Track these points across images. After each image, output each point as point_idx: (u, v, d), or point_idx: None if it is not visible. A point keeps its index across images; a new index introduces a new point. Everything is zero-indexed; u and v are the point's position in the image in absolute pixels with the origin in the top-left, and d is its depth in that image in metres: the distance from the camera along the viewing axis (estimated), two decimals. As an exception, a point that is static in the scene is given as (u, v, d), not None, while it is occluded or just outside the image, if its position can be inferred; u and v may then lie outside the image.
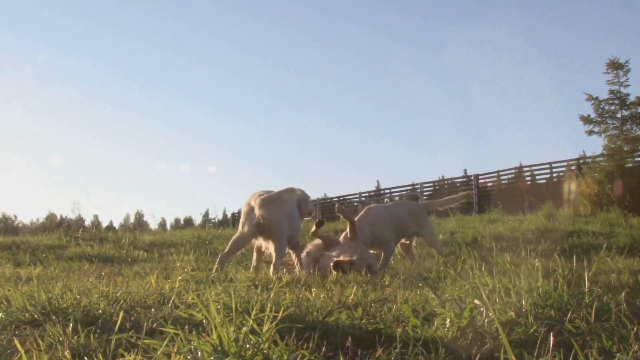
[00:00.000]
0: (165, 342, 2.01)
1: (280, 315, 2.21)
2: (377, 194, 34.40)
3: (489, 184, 26.57)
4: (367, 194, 31.85)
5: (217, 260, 5.96)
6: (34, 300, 3.27)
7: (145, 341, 2.17)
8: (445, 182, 31.07)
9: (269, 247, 5.97)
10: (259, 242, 6.08)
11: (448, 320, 2.58)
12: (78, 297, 3.37)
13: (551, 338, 2.23)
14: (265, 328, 2.10)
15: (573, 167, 20.63)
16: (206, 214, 62.50)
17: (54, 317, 2.81)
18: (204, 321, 2.59)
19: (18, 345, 2.21)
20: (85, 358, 2.22)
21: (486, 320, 2.55)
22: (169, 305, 3.33)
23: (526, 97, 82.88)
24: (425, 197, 27.47)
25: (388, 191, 31.74)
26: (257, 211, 5.71)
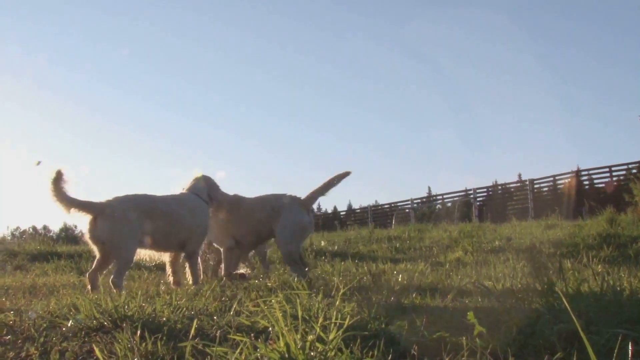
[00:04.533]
0: (238, 350, 2.03)
1: (346, 323, 2.20)
2: (429, 200, 34.06)
3: (545, 189, 26.00)
4: (418, 200, 31.59)
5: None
6: (101, 307, 3.36)
7: (216, 349, 2.19)
8: (499, 187, 30.48)
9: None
10: None
11: (515, 329, 2.52)
12: (143, 305, 3.43)
13: (630, 347, 2.15)
14: (331, 336, 2.10)
15: (634, 171, 19.95)
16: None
17: (124, 325, 2.87)
18: (269, 329, 2.60)
19: (98, 353, 2.26)
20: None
21: (555, 328, 2.48)
22: (231, 312, 3.36)
23: (584, 97, 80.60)
24: (478, 203, 27.05)
25: (440, 197, 31.43)
26: None
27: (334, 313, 2.43)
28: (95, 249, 5.37)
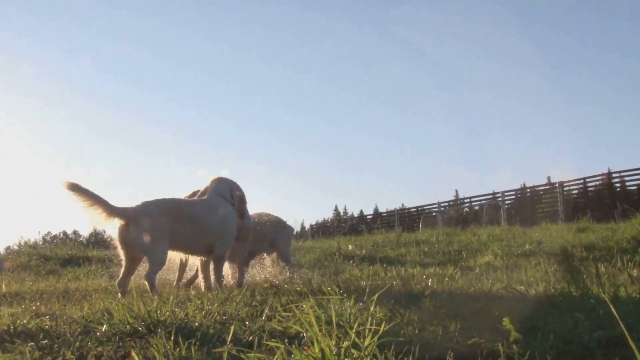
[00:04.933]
0: (275, 357, 2.02)
1: (382, 329, 2.18)
2: (456, 204, 33.75)
3: (575, 191, 25.58)
4: (445, 204, 31.32)
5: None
6: (134, 312, 3.38)
7: (253, 355, 2.19)
8: (528, 190, 30.07)
9: None
10: None
11: (552, 335, 2.48)
12: (175, 310, 3.45)
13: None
14: (366, 342, 2.08)
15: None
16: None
17: (159, 330, 2.89)
18: (301, 334, 2.59)
19: (136, 358, 2.28)
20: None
21: (594, 335, 2.43)
22: (263, 317, 3.36)
23: (615, 97, 79.19)
24: (507, 206, 26.73)
25: (467, 200, 31.13)
26: None
27: (369, 319, 2.41)
28: (123, 255, 5.45)
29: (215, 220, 5.80)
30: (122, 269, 5.48)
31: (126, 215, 5.28)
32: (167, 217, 5.42)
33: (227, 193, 6.08)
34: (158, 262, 5.38)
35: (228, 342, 2.58)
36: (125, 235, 5.30)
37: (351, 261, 9.15)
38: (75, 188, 5.09)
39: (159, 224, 5.34)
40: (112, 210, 5.20)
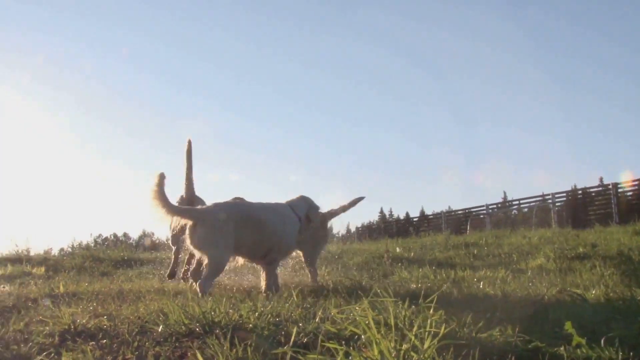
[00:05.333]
0: (339, 358, 2.01)
1: (442, 332, 2.15)
2: (504, 206, 33.18)
3: (629, 193, 24.80)
4: (494, 206, 30.83)
5: None
6: (189, 313, 3.43)
7: (316, 357, 2.18)
8: (579, 191, 29.31)
9: None
10: None
11: (617, 340, 2.40)
12: (230, 311, 3.49)
13: None
14: (426, 345, 2.06)
15: None
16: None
17: (217, 331, 2.92)
18: (356, 336, 2.58)
19: (199, 357, 2.31)
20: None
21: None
22: (316, 319, 3.36)
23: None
24: (557, 209, 26.13)
25: (516, 202, 30.54)
26: None
27: (429, 321, 2.38)
28: (197, 255, 5.52)
29: (277, 228, 5.79)
30: (195, 264, 5.61)
31: (194, 215, 5.30)
32: (233, 222, 5.40)
33: (302, 210, 6.15)
34: (216, 269, 5.33)
35: (290, 344, 2.58)
36: (192, 235, 5.31)
37: (399, 264, 9.08)
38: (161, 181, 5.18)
39: (225, 228, 5.32)
40: (174, 208, 5.23)
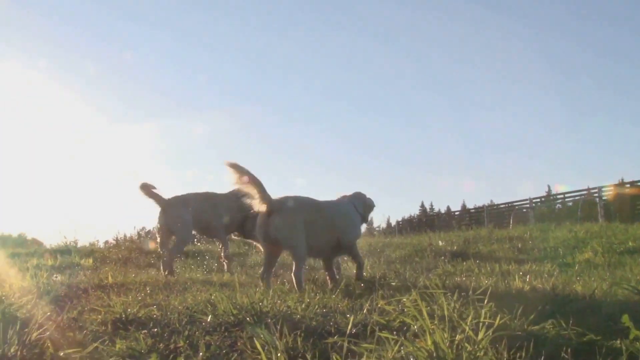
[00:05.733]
0: (394, 348, 2.01)
1: (497, 323, 2.12)
2: (549, 200, 32.53)
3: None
4: (538, 200, 30.23)
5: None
6: (237, 304, 3.47)
7: (365, 345, 2.18)
8: (627, 185, 28.48)
9: None
10: None
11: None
12: (278, 301, 3.51)
13: None
14: (480, 336, 2.03)
15: None
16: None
17: (269, 320, 2.94)
18: (404, 327, 2.57)
19: (258, 345, 2.33)
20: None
21: None
22: (364, 311, 3.36)
23: None
24: (603, 202, 25.46)
25: (561, 196, 29.90)
26: None
27: (482, 312, 2.35)
28: (262, 248, 5.50)
29: (340, 223, 5.75)
30: (264, 264, 5.50)
31: (272, 205, 5.25)
32: (303, 215, 5.38)
33: (360, 205, 6.12)
34: (302, 258, 5.27)
35: (346, 333, 2.58)
36: (267, 226, 5.27)
37: (442, 257, 9.00)
38: (234, 166, 5.16)
39: (299, 220, 5.31)
40: (263, 197, 5.21)
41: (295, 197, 5.52)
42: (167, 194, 7.87)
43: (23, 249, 14.30)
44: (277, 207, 5.27)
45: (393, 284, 5.00)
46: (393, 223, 38.28)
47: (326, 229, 5.56)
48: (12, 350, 2.55)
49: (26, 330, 2.84)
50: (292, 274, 5.17)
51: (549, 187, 47.35)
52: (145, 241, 14.39)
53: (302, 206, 5.46)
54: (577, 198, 27.56)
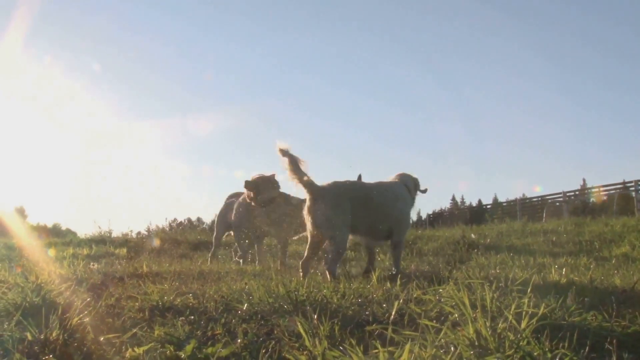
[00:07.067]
0: (440, 337, 1.99)
1: (540, 312, 2.09)
2: (583, 193, 31.96)
3: None
4: (571, 193, 29.75)
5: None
6: (273, 292, 3.48)
7: (405, 332, 2.17)
8: (664, 178, 27.80)
9: None
10: None
11: None
12: (314, 290, 3.51)
13: None
14: (523, 325, 2.00)
15: None
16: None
17: (308, 308, 2.95)
18: (443, 317, 2.54)
19: (301, 330, 2.33)
20: (341, 347, 2.26)
21: None
22: (400, 300, 3.34)
23: None
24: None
25: (596, 189, 29.33)
26: None
27: (525, 301, 2.32)
28: (308, 234, 5.39)
29: (395, 206, 5.66)
30: (306, 251, 5.43)
31: (315, 191, 5.22)
32: (349, 201, 5.28)
33: (411, 184, 6.05)
34: (339, 248, 5.16)
35: (391, 320, 2.57)
36: (312, 212, 5.23)
37: (475, 250, 8.91)
38: (285, 153, 5.18)
39: (344, 207, 5.23)
40: (305, 184, 5.20)
41: (343, 183, 5.44)
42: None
43: (59, 238, 14.61)
44: (322, 193, 5.23)
45: (428, 275, 4.97)
46: (424, 216, 38.00)
47: (375, 213, 5.45)
48: (53, 334, 2.59)
49: (67, 315, 2.89)
50: (326, 268, 5.06)
51: (584, 180, 46.56)
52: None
53: (347, 192, 5.35)
54: (612, 192, 27.03)
